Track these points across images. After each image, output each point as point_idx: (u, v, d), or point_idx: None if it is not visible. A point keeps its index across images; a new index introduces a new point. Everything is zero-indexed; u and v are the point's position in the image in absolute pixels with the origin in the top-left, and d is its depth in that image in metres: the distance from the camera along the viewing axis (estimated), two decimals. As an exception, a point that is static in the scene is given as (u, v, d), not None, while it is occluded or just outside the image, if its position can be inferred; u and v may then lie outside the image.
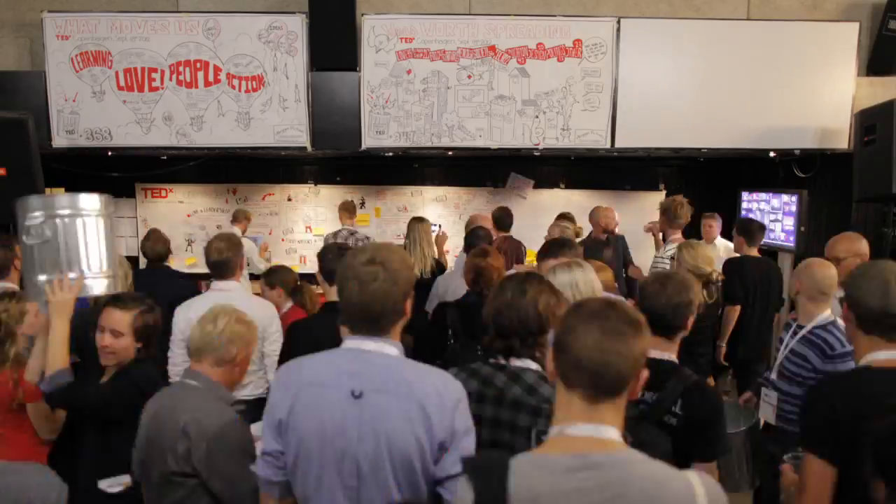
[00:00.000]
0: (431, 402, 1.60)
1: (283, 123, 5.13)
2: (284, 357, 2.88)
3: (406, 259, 1.79)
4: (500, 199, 7.61)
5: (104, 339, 2.39)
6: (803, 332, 3.13)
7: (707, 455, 2.01)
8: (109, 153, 5.60)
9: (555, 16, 5.22)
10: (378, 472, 1.61)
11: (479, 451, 1.67)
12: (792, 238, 5.90)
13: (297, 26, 5.03)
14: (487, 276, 3.27)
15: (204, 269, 7.91)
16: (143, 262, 7.27)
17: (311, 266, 7.65)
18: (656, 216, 7.71)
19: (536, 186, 7.63)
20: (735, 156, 6.38)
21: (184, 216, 7.45)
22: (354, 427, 1.61)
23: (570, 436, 1.25)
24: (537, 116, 5.22)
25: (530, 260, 5.42)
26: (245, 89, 5.09)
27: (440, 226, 7.45)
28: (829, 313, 3.12)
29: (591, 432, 1.23)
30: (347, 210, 6.39)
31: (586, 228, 6.13)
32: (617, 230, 6.07)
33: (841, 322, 2.93)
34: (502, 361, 1.96)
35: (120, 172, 6.90)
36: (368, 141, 5.20)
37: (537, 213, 7.40)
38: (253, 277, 6.26)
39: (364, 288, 1.64)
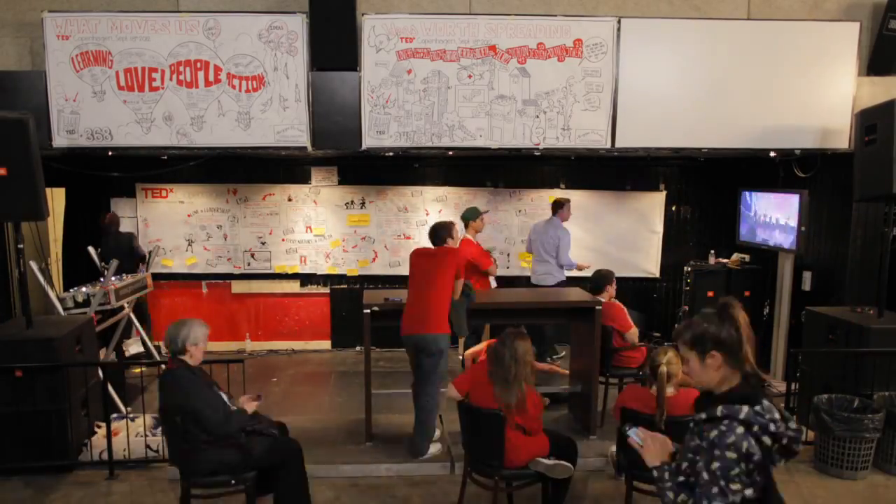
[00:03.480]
0: None
1: (284, 123, 5.13)
2: None
3: None
4: (500, 198, 7.62)
5: None
6: None
7: None
8: (110, 153, 5.60)
9: (555, 15, 5.22)
10: None
11: None
12: (793, 238, 5.90)
13: (297, 26, 5.03)
14: None
15: (203, 270, 7.92)
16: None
17: (312, 266, 7.67)
18: (657, 215, 7.76)
19: (537, 186, 7.63)
20: (736, 156, 6.38)
21: (184, 216, 7.45)
22: None
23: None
24: (538, 116, 5.22)
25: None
26: (245, 89, 5.09)
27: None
28: None
29: None
30: None
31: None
32: None
33: None
34: None
35: (120, 172, 6.90)
36: (369, 141, 5.20)
37: (538, 212, 7.43)
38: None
39: None
